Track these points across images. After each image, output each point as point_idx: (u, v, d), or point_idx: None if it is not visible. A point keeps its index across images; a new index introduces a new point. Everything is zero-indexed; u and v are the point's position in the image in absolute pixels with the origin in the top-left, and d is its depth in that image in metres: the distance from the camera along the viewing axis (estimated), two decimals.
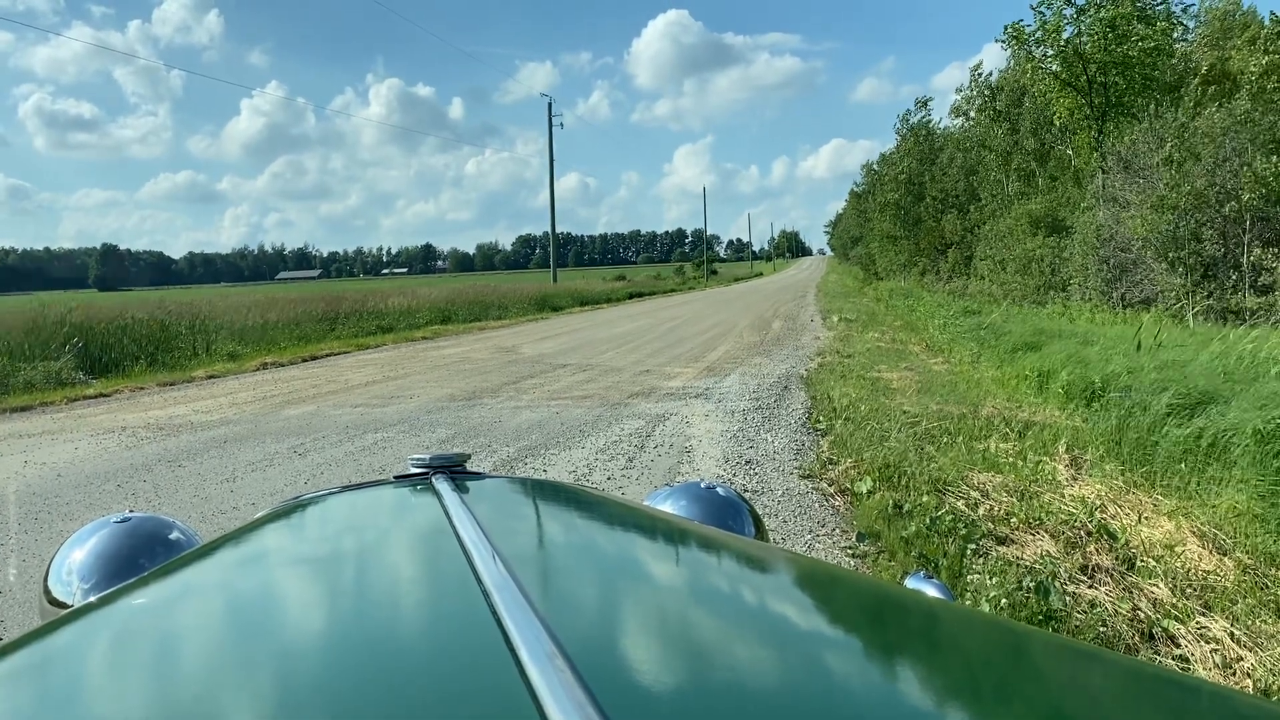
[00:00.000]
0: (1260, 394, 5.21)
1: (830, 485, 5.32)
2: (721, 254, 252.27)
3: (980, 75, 28.03)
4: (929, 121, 32.57)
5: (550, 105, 44.47)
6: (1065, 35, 18.12)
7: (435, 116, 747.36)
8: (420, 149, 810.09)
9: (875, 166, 39.57)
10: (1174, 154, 13.40)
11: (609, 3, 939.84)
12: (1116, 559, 3.83)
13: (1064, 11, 18.11)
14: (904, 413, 7.04)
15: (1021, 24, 19.04)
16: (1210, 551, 3.84)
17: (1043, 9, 18.40)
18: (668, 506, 1.24)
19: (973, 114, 28.68)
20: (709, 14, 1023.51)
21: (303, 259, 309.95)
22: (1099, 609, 3.33)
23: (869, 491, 4.94)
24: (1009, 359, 9.39)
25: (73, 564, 1.12)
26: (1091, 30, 17.67)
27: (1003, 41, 19.75)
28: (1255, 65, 14.04)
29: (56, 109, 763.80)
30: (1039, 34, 18.52)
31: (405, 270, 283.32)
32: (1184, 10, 18.58)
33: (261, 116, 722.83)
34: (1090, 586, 3.55)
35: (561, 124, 46.59)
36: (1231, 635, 3.08)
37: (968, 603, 3.31)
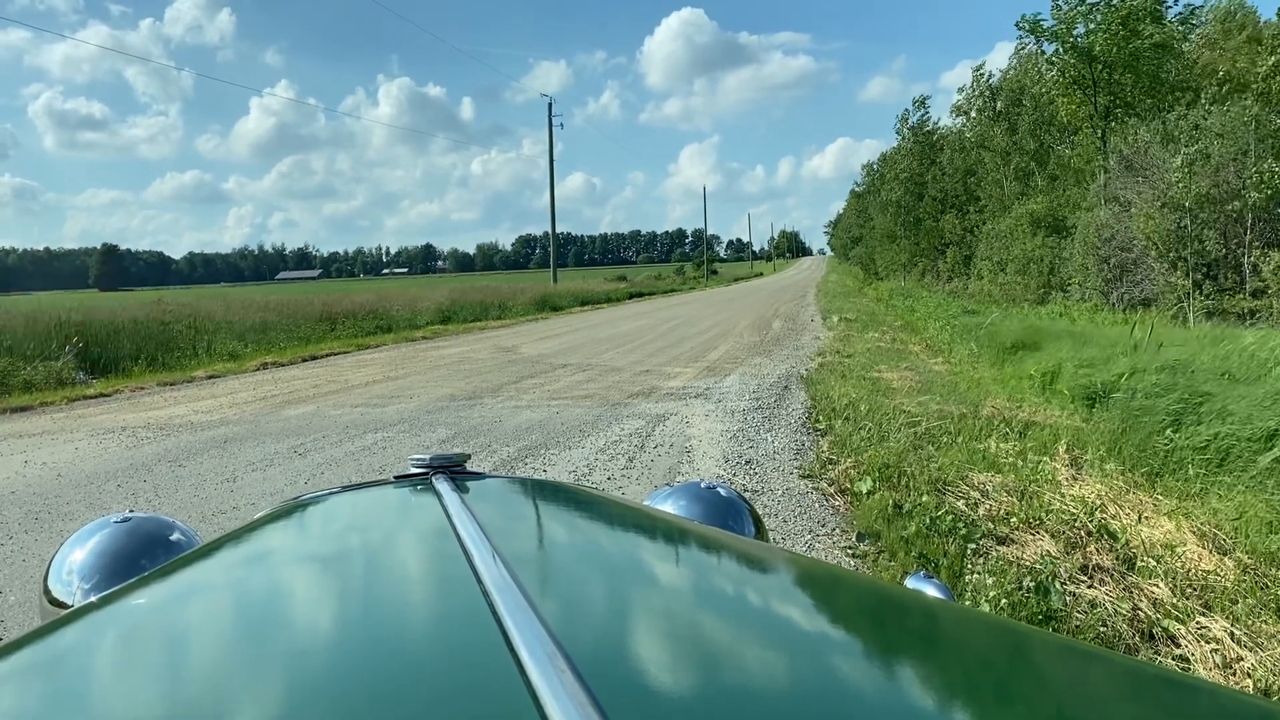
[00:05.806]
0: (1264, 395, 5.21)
1: (830, 485, 5.32)
2: (721, 254, 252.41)
3: (982, 76, 27.99)
4: (928, 120, 32.53)
5: (550, 106, 44.48)
6: (1078, 30, 18.06)
7: (445, 117, 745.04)
8: (428, 149, 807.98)
9: (876, 166, 39.55)
10: (1189, 155, 13.34)
11: (624, 1, 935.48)
12: (1117, 559, 3.83)
13: (1077, 7, 18.07)
14: (904, 413, 7.03)
15: (1038, 16, 19.01)
16: (1210, 551, 3.83)
17: (1060, 1, 18.35)
18: (668, 506, 1.24)
19: (973, 114, 28.64)
20: (723, 13, 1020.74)
21: (303, 259, 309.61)
22: (1099, 609, 3.33)
23: (869, 491, 4.93)
24: (1009, 360, 9.39)
25: (73, 564, 1.12)
26: (1103, 26, 17.58)
27: (1020, 28, 19.68)
28: (1262, 65, 14.02)
29: (67, 108, 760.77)
30: (1056, 27, 18.42)
31: (405, 270, 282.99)
32: (1190, 11, 18.54)
33: (271, 116, 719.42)
34: (1090, 586, 3.55)
35: (561, 124, 46.69)
36: (1231, 635, 3.08)
37: (968, 603, 3.31)
